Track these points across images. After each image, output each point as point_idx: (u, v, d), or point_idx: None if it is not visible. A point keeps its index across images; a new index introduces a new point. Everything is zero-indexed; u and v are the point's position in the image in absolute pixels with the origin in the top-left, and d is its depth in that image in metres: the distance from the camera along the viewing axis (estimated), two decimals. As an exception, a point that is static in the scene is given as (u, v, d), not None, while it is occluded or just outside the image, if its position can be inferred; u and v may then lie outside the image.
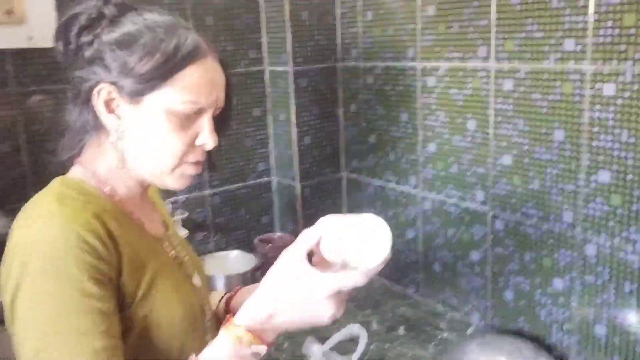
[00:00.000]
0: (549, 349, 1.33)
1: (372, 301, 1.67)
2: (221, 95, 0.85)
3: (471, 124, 1.44)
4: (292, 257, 0.75)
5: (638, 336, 1.17)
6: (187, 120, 0.82)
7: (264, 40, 1.80)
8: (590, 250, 1.23)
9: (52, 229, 0.73)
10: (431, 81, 1.52)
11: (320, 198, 1.86)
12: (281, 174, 1.89)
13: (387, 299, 1.70)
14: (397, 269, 1.75)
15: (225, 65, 0.86)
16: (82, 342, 0.70)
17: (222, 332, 0.75)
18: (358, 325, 1.27)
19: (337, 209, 1.90)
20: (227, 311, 1.04)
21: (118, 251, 0.77)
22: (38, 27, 1.38)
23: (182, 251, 0.96)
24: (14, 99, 1.42)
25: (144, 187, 0.90)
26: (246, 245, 1.83)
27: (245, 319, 0.75)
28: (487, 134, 1.40)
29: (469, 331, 1.51)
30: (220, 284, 1.62)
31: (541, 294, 1.36)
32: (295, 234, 1.86)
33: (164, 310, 0.82)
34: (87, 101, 0.81)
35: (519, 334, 1.41)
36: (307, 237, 0.76)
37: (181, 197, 1.73)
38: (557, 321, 1.33)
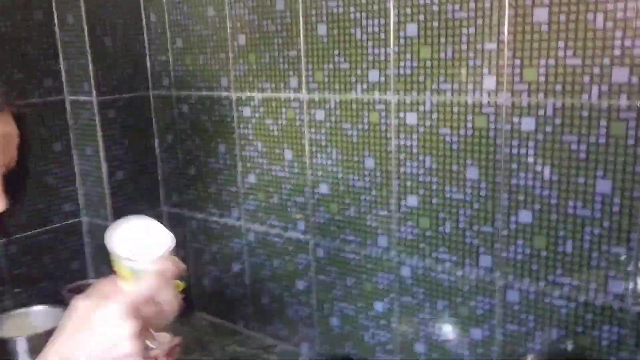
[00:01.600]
0: (375, 371, 1.36)
1: (199, 342, 1.58)
2: (12, 153, 0.78)
3: (288, 154, 1.43)
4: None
5: (453, 350, 1.24)
6: None
7: (62, 67, 1.63)
8: (405, 271, 1.28)
9: None
10: (247, 111, 1.49)
11: (138, 237, 1.72)
12: (92, 214, 1.71)
13: (215, 337, 1.61)
14: (224, 304, 1.68)
15: (21, 116, 0.77)
16: None
17: None
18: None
19: (157, 247, 1.77)
20: None
21: None
22: None
23: None
24: None
25: None
26: (53, 298, 1.62)
27: None
28: (304, 163, 1.40)
29: (300, 362, 1.49)
30: (22, 347, 1.41)
31: (364, 318, 1.38)
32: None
33: None
34: None
35: (347, 359, 1.42)
36: None
37: (-34, 250, 1.48)
38: (380, 343, 1.36)
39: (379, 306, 1.35)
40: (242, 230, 1.59)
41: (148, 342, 0.68)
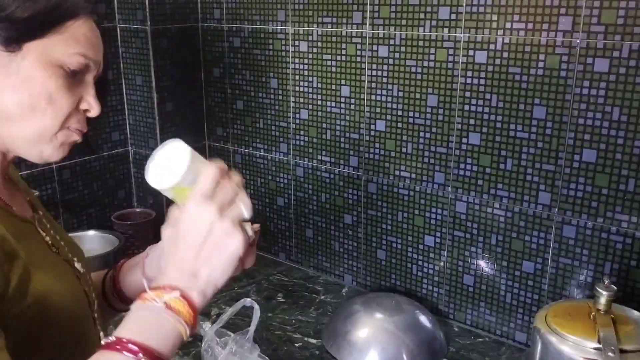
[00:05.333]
0: (420, 301, 1.42)
1: (245, 272, 1.63)
2: (101, 59, 0.76)
3: (345, 90, 1.45)
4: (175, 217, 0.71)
5: (503, 282, 1.31)
6: (74, 78, 0.72)
7: (115, -6, 1.62)
8: (460, 207, 1.33)
9: None
10: (303, 46, 1.50)
11: (182, 168, 1.76)
12: (139, 144, 1.74)
13: (260, 268, 1.67)
14: (267, 237, 1.73)
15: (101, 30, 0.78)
16: None
17: (137, 304, 0.66)
18: (249, 299, 1.22)
19: (200, 180, 1.81)
20: (117, 293, 0.93)
21: None
22: None
23: (55, 234, 0.84)
24: None
25: (6, 162, 0.77)
26: (101, 224, 1.66)
27: (176, 282, 0.66)
28: (362, 99, 1.42)
29: (344, 291, 1.56)
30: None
31: (413, 251, 1.44)
32: (155, 209, 1.75)
33: (46, 302, 0.71)
34: None
35: (391, 290, 1.49)
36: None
37: (23, 173, 1.50)
38: (428, 275, 1.43)
39: (429, 240, 1.40)
40: (289, 165, 1.62)
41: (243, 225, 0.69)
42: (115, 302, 0.95)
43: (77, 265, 0.84)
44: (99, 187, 1.70)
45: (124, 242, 1.57)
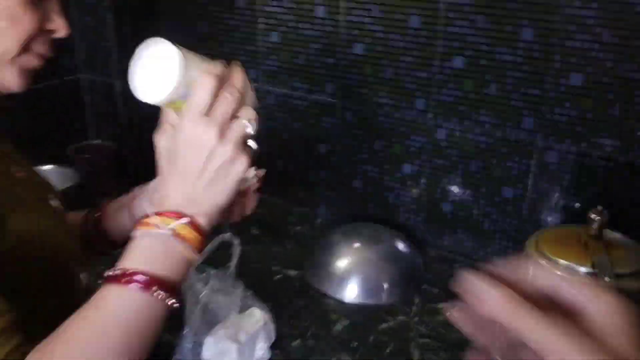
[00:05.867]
0: (397, 228, 1.41)
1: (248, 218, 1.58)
2: None
3: (320, 11, 1.36)
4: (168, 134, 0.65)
5: (481, 208, 1.30)
6: None
7: None
8: (441, 134, 1.30)
9: None
10: (273, -39, 1.38)
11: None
12: (93, 70, 1.60)
13: (231, 200, 1.62)
14: (237, 168, 1.66)
15: None
16: None
17: (141, 231, 0.61)
18: (228, 234, 1.18)
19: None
20: (101, 235, 0.87)
21: None
22: None
23: (28, 172, 0.76)
24: None
25: None
26: (59, 159, 1.55)
27: (179, 207, 0.61)
28: (338, 20, 1.34)
29: (318, 222, 1.53)
30: (36, 205, 1.37)
31: (390, 180, 1.41)
32: (115, 139, 1.64)
33: (28, 242, 0.66)
34: None
35: (367, 219, 1.47)
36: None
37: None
38: (405, 203, 1.41)
39: (407, 168, 1.38)
40: (259, 93, 1.53)
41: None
42: (99, 244, 0.89)
43: (53, 202, 0.77)
44: (52, 120, 1.58)
45: (85, 177, 1.48)
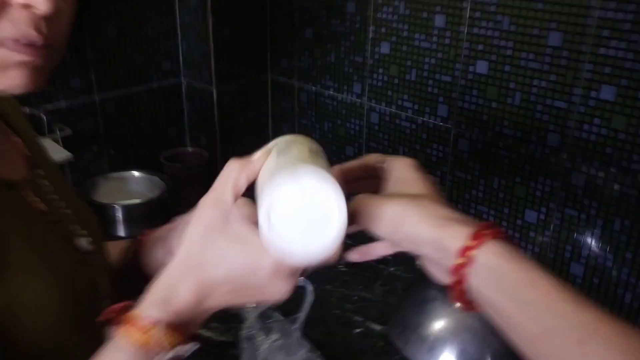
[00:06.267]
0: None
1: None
2: None
3: (439, 20, 1.14)
4: (220, 213, 0.48)
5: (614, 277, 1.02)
6: None
7: None
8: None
9: None
10: (388, -39, 1.19)
11: (241, 105, 1.53)
12: (193, 75, 1.52)
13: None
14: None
15: None
16: None
17: (120, 335, 0.47)
18: (302, 277, 1.02)
19: (261, 119, 1.59)
20: (136, 271, 0.73)
21: None
22: None
23: (59, 200, 0.63)
24: None
25: None
26: (149, 164, 1.49)
27: (157, 310, 0.47)
28: (460, 32, 1.12)
29: (418, 265, 1.32)
30: (118, 215, 1.30)
31: (509, 226, 1.17)
32: (209, 149, 1.55)
33: (24, 295, 0.52)
34: None
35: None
36: (234, 181, 0.49)
37: (62, 104, 1.33)
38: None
39: (531, 215, 1.12)
40: (363, 110, 1.36)
41: None
42: (136, 280, 0.76)
43: (81, 241, 0.64)
44: (149, 124, 1.52)
45: (172, 186, 1.40)
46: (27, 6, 0.46)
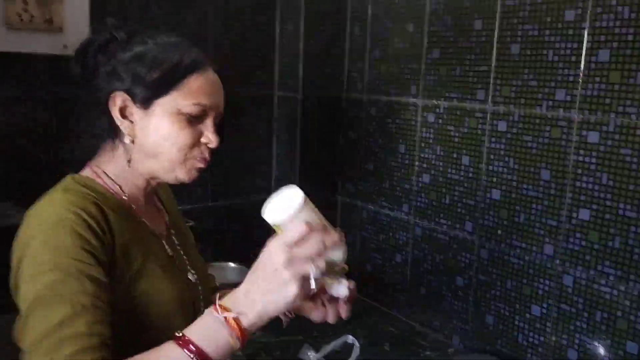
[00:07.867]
0: (524, 370, 1.45)
1: (355, 316, 1.77)
2: (221, 101, 0.95)
3: (465, 159, 1.57)
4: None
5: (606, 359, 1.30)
6: (193, 120, 0.91)
7: (276, 66, 1.93)
8: (567, 280, 1.36)
9: (53, 209, 0.83)
10: (431, 117, 1.66)
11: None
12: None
13: (370, 315, 1.79)
14: (382, 290, 1.85)
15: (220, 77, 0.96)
16: (72, 301, 0.77)
17: (208, 309, 0.80)
18: (351, 336, 1.36)
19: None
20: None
21: (112, 235, 0.85)
22: (73, 37, 1.47)
23: (184, 252, 1.03)
24: (46, 101, 1.51)
25: (152, 187, 0.98)
26: (236, 258, 1.91)
27: (226, 300, 0.79)
28: (480, 169, 1.53)
29: (450, 351, 1.62)
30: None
31: (520, 320, 1.47)
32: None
33: (152, 292, 0.89)
34: (104, 109, 0.91)
35: (497, 354, 1.52)
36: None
37: (186, 207, 1.81)
38: (533, 345, 1.45)
39: (536, 310, 1.44)
40: (410, 225, 1.76)
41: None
42: None
43: (190, 275, 1.01)
44: (243, 226, 1.97)
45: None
46: (207, 142, 0.93)
